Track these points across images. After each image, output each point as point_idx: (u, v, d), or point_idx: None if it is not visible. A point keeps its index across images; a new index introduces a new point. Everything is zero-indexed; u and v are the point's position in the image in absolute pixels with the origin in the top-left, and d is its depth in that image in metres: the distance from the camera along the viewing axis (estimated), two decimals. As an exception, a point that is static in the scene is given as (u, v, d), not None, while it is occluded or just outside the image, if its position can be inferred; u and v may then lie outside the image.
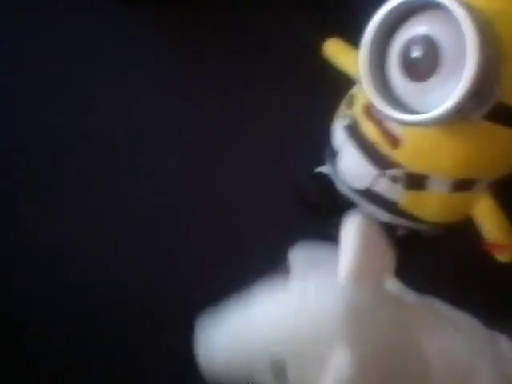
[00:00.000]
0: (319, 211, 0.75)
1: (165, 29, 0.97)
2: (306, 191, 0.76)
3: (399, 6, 0.59)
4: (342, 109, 0.72)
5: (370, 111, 0.65)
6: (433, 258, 0.74)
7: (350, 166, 0.69)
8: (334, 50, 0.81)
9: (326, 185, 0.74)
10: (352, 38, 0.82)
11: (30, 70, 0.89)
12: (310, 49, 0.87)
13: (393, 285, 0.57)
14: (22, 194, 0.79)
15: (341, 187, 0.72)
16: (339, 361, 0.47)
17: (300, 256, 0.58)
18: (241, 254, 0.71)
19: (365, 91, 0.63)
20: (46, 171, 0.81)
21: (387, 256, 0.54)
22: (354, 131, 0.67)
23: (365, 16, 0.82)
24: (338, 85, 0.75)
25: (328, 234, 0.73)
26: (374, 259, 0.52)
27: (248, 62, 0.91)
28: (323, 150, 0.75)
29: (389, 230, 0.71)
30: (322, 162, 0.77)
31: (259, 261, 0.66)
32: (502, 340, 0.56)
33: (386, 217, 0.69)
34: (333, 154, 0.71)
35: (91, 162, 0.81)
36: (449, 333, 0.54)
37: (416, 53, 0.58)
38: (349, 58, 0.77)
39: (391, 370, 0.49)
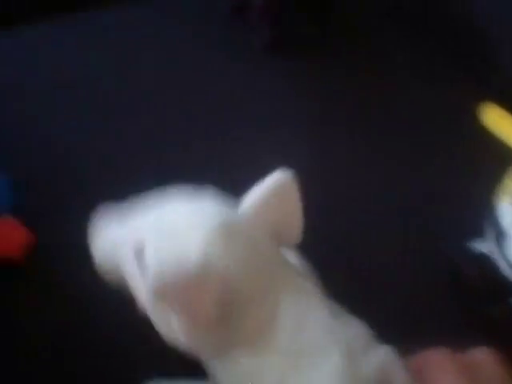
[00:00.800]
0: (476, 294, 0.69)
1: (307, 80, 0.95)
2: (461, 269, 0.71)
3: None
4: (509, 183, 0.67)
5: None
6: None
7: (521, 251, 0.63)
8: (494, 119, 0.76)
9: (487, 265, 0.68)
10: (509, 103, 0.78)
11: (166, 114, 0.88)
12: (464, 112, 0.83)
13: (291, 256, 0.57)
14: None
15: (506, 270, 0.66)
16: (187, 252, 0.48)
17: None
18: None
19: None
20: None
21: (295, 224, 0.53)
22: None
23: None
24: (499, 151, 0.71)
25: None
26: (281, 214, 0.52)
27: (398, 124, 0.88)
28: (483, 224, 0.70)
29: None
30: (479, 235, 0.71)
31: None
32: (379, 352, 0.50)
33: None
34: (498, 234, 0.66)
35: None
36: (316, 308, 0.51)
37: None
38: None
39: (240, 296, 0.49)
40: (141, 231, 0.52)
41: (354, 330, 0.51)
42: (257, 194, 0.53)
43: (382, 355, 0.50)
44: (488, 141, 0.75)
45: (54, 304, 0.68)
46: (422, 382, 0.50)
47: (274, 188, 0.52)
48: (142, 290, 0.51)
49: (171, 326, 0.50)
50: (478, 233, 0.72)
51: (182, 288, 0.47)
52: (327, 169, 0.82)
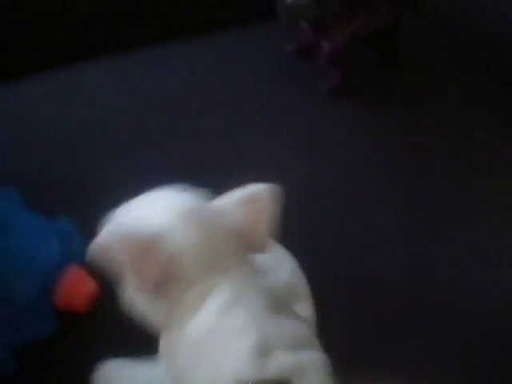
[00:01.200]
0: None
1: (370, 125, 0.95)
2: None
3: None
4: None
5: None
6: None
7: None
8: None
9: None
10: None
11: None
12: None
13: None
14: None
15: None
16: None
17: None
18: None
19: None
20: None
21: (261, 234, 0.59)
22: None
23: None
24: None
25: None
26: (250, 219, 0.59)
27: (462, 177, 0.88)
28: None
29: None
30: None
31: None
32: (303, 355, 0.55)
33: None
34: None
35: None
36: (247, 302, 0.56)
37: None
38: None
39: (183, 272, 0.56)
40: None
41: (287, 330, 0.56)
42: (235, 194, 0.60)
43: (303, 360, 0.54)
44: None
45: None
46: None
47: (252, 195, 0.59)
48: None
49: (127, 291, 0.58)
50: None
51: (133, 248, 0.55)
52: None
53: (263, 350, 0.54)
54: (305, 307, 0.68)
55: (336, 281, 0.75)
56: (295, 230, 0.75)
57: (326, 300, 0.70)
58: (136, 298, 0.59)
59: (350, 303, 0.74)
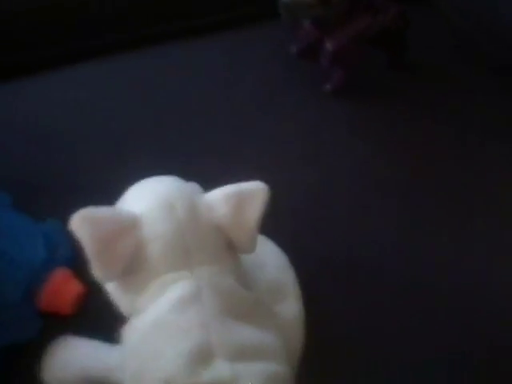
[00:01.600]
0: None
1: (374, 126, 0.94)
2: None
3: None
4: None
5: None
6: None
7: None
8: None
9: None
10: None
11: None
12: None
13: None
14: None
15: None
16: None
17: None
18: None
19: None
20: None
21: (246, 231, 0.58)
22: None
23: None
24: None
25: None
26: (237, 215, 0.57)
27: (467, 183, 0.85)
28: None
29: None
30: None
31: None
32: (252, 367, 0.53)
33: None
34: None
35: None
36: (204, 303, 0.54)
37: None
38: None
39: (149, 261, 0.56)
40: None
41: (237, 338, 0.54)
42: (226, 189, 0.58)
43: (242, 372, 0.52)
44: None
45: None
46: None
47: (242, 192, 0.58)
48: None
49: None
50: None
51: (101, 231, 0.55)
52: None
53: (202, 356, 0.52)
54: (292, 305, 0.66)
55: (336, 275, 0.74)
56: (295, 229, 0.76)
57: (324, 292, 0.71)
58: (106, 284, 0.59)
59: (349, 297, 0.73)
